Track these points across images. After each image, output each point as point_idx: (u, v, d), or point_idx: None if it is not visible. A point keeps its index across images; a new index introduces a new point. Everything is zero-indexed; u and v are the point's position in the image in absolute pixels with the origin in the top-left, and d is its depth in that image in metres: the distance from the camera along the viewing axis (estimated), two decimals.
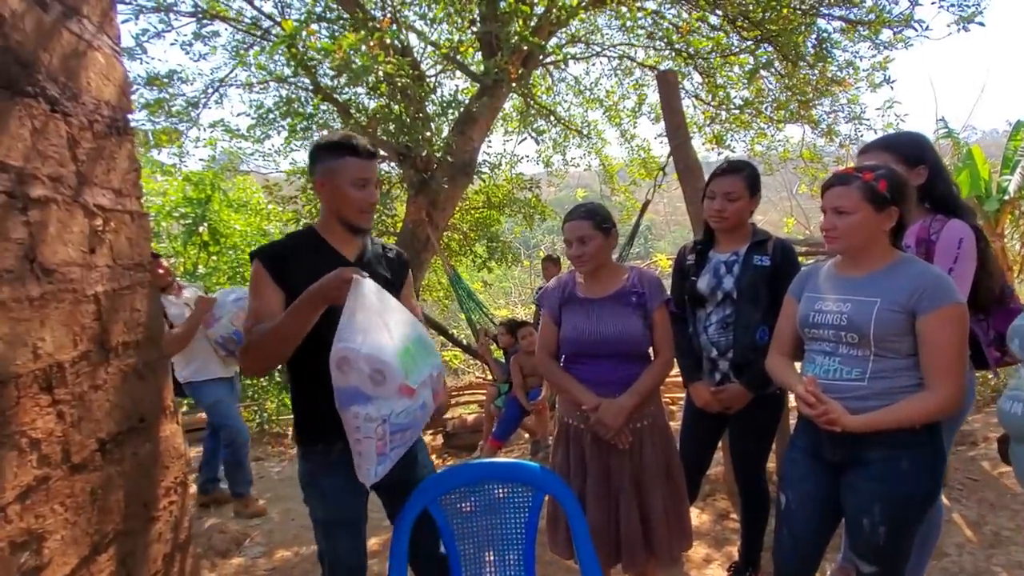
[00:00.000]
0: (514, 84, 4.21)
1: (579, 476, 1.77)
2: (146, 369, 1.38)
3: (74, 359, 1.11)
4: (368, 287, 1.32)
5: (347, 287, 1.30)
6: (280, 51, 4.40)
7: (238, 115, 6.11)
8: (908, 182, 1.43)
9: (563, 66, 6.19)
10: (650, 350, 1.83)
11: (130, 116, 1.45)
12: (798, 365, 1.58)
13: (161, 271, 3.10)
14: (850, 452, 1.39)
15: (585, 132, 6.83)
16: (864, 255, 1.41)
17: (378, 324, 1.31)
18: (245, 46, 5.34)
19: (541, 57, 5.31)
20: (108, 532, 1.17)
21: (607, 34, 6.24)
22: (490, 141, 6.60)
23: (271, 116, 5.21)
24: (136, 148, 1.46)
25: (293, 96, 5.17)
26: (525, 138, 6.74)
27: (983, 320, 1.64)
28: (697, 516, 2.70)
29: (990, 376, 3.97)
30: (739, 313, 1.90)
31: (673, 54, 5.61)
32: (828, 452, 1.44)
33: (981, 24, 4.36)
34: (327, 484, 1.48)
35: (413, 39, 5.27)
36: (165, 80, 4.47)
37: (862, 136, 5.76)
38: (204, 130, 5.55)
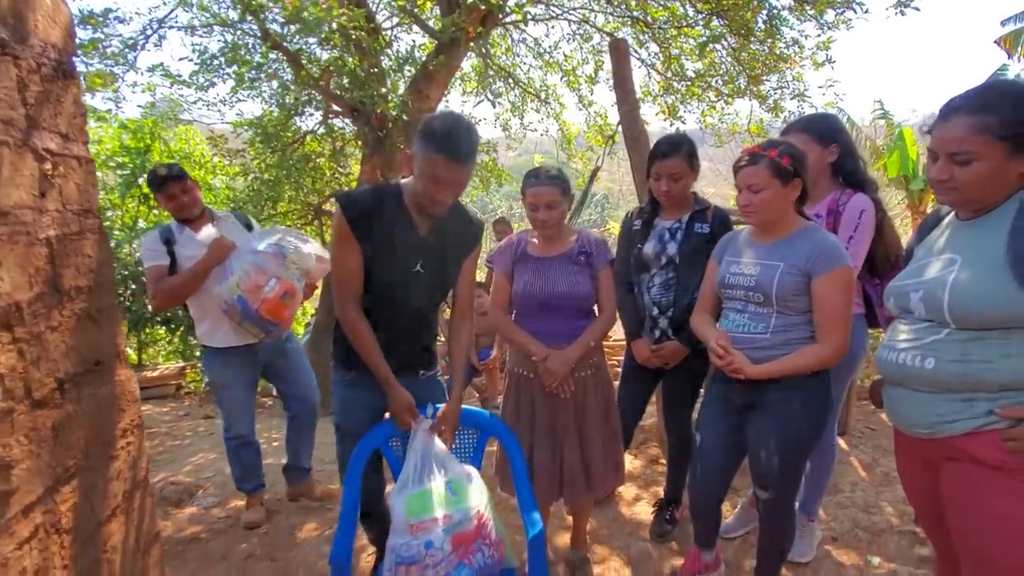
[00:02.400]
0: (472, 43, 4.18)
1: (528, 421, 1.92)
2: (99, 315, 1.40)
3: (31, 300, 1.14)
4: (420, 432, 1.63)
5: (404, 424, 1.66)
6: None
7: (180, 59, 5.71)
8: (805, 155, 1.60)
9: (523, 26, 6.14)
10: (595, 307, 1.98)
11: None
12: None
13: (186, 197, 2.40)
14: (753, 396, 1.60)
15: (543, 97, 6.83)
16: (775, 225, 1.58)
17: (409, 462, 1.58)
18: None
19: (500, 16, 5.25)
20: (71, 466, 1.23)
21: None
22: (447, 101, 6.51)
23: (216, 62, 4.96)
24: (81, 92, 1.44)
25: (240, 42, 4.93)
26: (482, 100, 6.68)
27: (878, 284, 1.87)
28: (630, 461, 2.95)
29: None
30: (680, 277, 2.07)
31: (631, 21, 5.65)
32: (736, 396, 1.64)
33: (916, 9, 4.62)
34: (344, 396, 1.79)
35: None
36: (100, 19, 4.17)
37: (804, 113, 6.05)
38: (142, 74, 5.23)
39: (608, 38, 6.12)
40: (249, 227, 2.58)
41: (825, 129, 1.84)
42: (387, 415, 1.73)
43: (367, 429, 1.74)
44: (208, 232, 2.39)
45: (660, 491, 2.56)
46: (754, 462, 1.65)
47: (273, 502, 2.83)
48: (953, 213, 1.31)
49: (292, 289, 2.30)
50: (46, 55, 1.28)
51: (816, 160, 1.82)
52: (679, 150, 2.01)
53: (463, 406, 1.80)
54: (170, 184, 2.38)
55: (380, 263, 1.63)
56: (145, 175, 6.77)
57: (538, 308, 1.90)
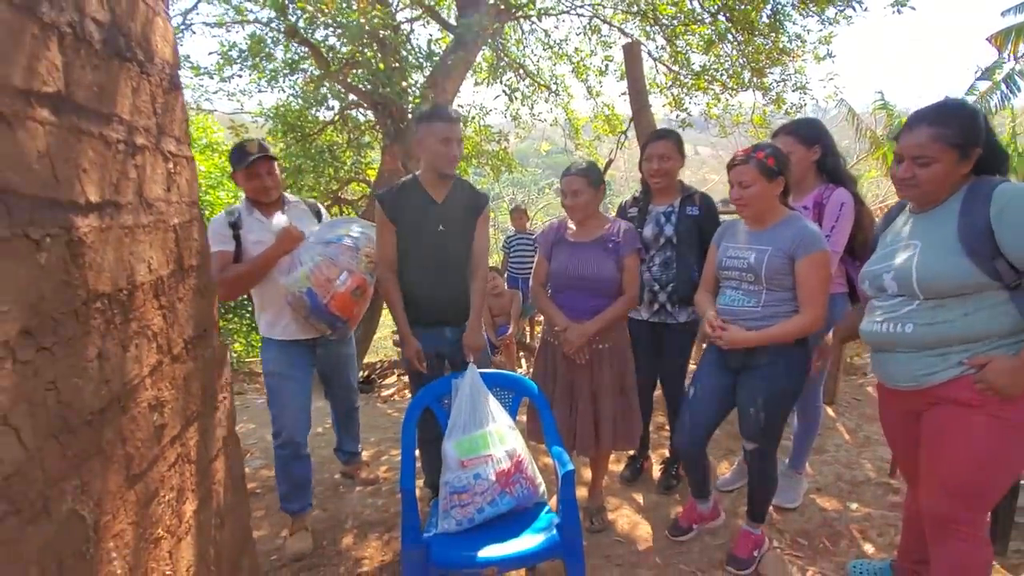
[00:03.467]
0: (488, 40, 4.39)
1: (551, 382, 2.20)
2: (204, 289, 1.68)
3: (168, 275, 1.41)
4: (467, 378, 1.94)
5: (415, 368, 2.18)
6: None
7: (210, 54, 5.83)
8: (787, 156, 1.86)
9: (536, 20, 6.32)
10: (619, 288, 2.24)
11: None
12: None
13: (270, 179, 2.22)
14: (745, 359, 1.88)
15: (553, 88, 7.03)
16: (763, 215, 1.85)
17: (458, 412, 1.87)
18: None
19: (514, 11, 5.44)
20: (193, 411, 1.51)
21: None
22: (460, 92, 6.73)
23: (242, 55, 5.17)
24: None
25: (261, 34, 5.14)
26: (498, 96, 6.88)
27: (858, 265, 2.14)
28: None
29: None
30: (680, 255, 2.33)
31: (640, 16, 5.84)
32: (731, 360, 1.92)
33: (912, 8, 4.84)
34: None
35: None
36: None
37: (805, 105, 6.26)
38: None
39: (616, 31, 6.31)
40: (319, 215, 2.46)
41: (809, 132, 2.11)
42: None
43: (428, 370, 2.18)
44: (279, 219, 2.21)
45: (667, 452, 2.86)
46: (743, 416, 1.93)
47: (316, 465, 3.13)
48: (908, 208, 1.58)
49: (364, 284, 2.19)
50: (164, 71, 1.54)
51: (801, 159, 2.09)
52: (669, 136, 2.34)
53: (502, 372, 2.09)
54: (261, 163, 2.19)
55: (412, 228, 2.16)
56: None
57: (567, 286, 2.17)
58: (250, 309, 7.44)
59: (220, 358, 1.78)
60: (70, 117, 1.04)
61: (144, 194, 1.32)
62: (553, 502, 2.23)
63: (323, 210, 2.54)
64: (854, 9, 4.76)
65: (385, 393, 5.18)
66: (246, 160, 2.18)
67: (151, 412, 1.26)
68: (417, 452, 2.75)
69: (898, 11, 4.70)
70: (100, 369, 1.07)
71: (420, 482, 2.72)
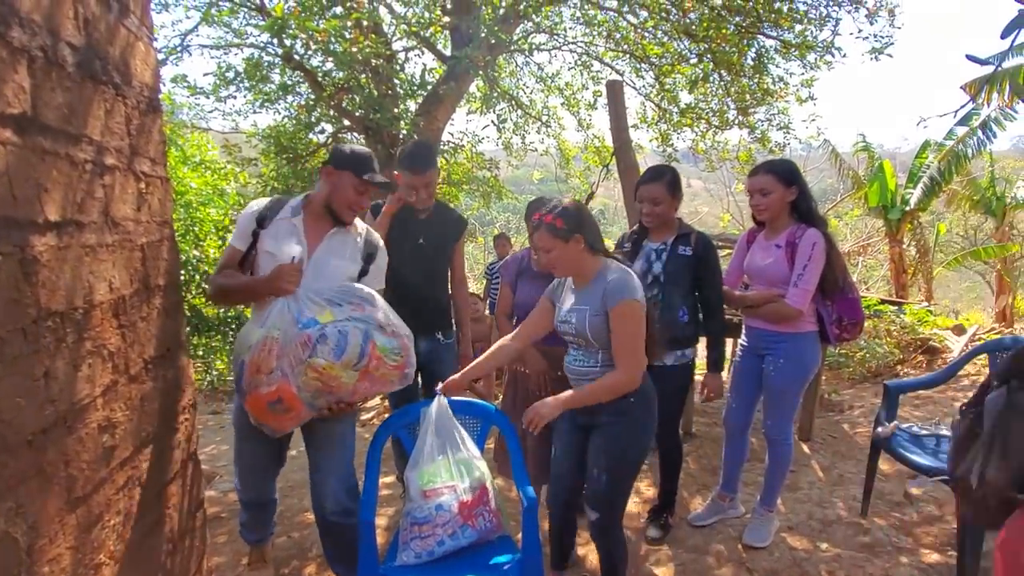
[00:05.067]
0: (481, 72, 4.50)
1: (523, 411, 2.17)
2: (172, 309, 1.67)
3: (131, 295, 1.41)
4: (434, 407, 1.86)
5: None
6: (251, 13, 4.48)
7: (205, 75, 5.96)
8: (582, 211, 1.74)
9: (528, 55, 6.49)
10: None
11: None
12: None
13: (368, 203, 1.94)
14: (589, 418, 1.80)
15: (544, 120, 7.18)
16: (579, 272, 1.76)
17: (423, 440, 1.82)
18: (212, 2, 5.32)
19: (507, 44, 5.59)
20: (149, 432, 1.49)
21: (571, 27, 6.58)
22: (453, 120, 6.85)
23: (237, 78, 5.26)
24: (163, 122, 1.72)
25: (258, 58, 5.24)
26: (488, 125, 7.02)
27: (829, 305, 2.17)
28: None
29: (862, 352, 4.77)
30: (665, 294, 2.30)
31: (630, 56, 6.01)
32: (578, 417, 1.83)
33: (890, 56, 5.03)
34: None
35: (384, 12, 5.43)
36: None
37: (789, 144, 6.42)
38: (164, 84, 5.54)
39: (607, 67, 6.49)
40: (370, 258, 1.91)
41: (786, 172, 2.15)
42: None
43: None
44: (293, 250, 1.76)
45: (640, 487, 2.82)
46: (588, 479, 1.82)
47: (287, 489, 3.07)
48: None
49: (289, 400, 1.62)
50: (142, 93, 1.57)
51: (779, 198, 2.13)
52: (661, 179, 2.26)
53: (470, 400, 2.08)
54: (375, 188, 1.86)
55: (394, 239, 2.29)
56: None
57: None
58: (233, 327, 7.38)
59: (184, 379, 1.76)
60: (35, 137, 1.06)
61: (111, 213, 1.33)
62: (521, 535, 2.19)
63: (379, 253, 1.96)
64: (833, 55, 4.95)
65: (364, 416, 5.11)
66: (375, 174, 1.85)
67: (101, 433, 1.24)
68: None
69: (875, 59, 4.88)
70: (47, 388, 1.06)
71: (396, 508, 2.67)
